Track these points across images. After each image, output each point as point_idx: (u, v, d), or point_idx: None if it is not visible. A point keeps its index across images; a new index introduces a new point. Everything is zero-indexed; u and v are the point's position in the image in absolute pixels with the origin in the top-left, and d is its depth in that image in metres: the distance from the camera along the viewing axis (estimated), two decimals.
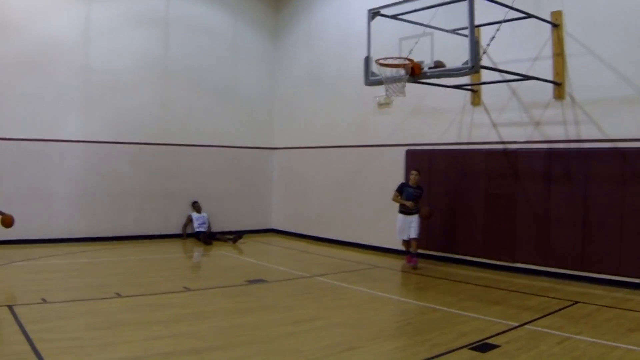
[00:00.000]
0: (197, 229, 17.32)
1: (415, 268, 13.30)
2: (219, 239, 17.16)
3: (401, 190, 13.72)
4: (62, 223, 15.82)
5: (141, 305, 9.29)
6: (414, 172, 13.78)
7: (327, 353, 7.14)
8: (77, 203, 16.05)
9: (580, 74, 12.05)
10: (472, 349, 6.71)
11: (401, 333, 8.50)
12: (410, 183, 13.73)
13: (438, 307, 9.85)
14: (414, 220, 13.59)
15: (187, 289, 10.73)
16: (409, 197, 13.53)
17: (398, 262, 14.32)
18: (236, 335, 7.82)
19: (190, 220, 17.59)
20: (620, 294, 10.82)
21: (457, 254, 13.87)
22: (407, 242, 13.86)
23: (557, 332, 8.19)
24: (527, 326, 8.43)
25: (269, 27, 19.95)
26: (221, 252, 15.64)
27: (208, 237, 16.86)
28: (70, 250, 14.66)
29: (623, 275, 11.29)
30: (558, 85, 12.25)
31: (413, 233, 13.54)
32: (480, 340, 7.61)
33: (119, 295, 9.84)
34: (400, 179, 15.05)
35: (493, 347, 7.00)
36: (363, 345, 7.66)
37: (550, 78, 12.27)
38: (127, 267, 12.90)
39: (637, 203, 11.11)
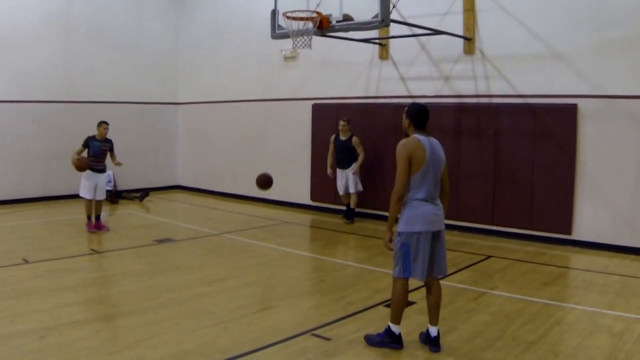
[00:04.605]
0: None
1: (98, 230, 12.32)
2: (125, 198, 16.88)
3: (87, 145, 12.29)
4: None
5: (49, 270, 9.06)
6: (103, 124, 12.50)
7: (241, 314, 7.20)
8: None
9: (491, 30, 12.22)
10: (387, 305, 6.58)
11: (315, 291, 8.60)
12: (98, 137, 12.39)
13: (351, 263, 10.01)
14: (102, 180, 12.52)
15: (95, 252, 10.57)
16: (96, 152, 12.25)
17: (307, 218, 14.45)
18: (147, 299, 7.75)
19: None
20: (532, 247, 11.19)
21: (365, 208, 13.96)
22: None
23: (472, 288, 8.45)
24: (441, 282, 8.54)
25: None
26: (128, 210, 15.42)
27: (114, 196, 16.53)
28: None
29: (534, 229, 11.69)
30: (468, 40, 12.39)
31: (99, 195, 12.43)
32: None
33: (26, 261, 9.56)
34: (307, 133, 15.12)
35: (409, 303, 7.02)
36: (277, 305, 7.75)
37: (461, 33, 12.38)
38: (33, 231, 12.48)
39: (546, 158, 11.42)
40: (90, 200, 12.31)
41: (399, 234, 5.93)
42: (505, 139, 11.94)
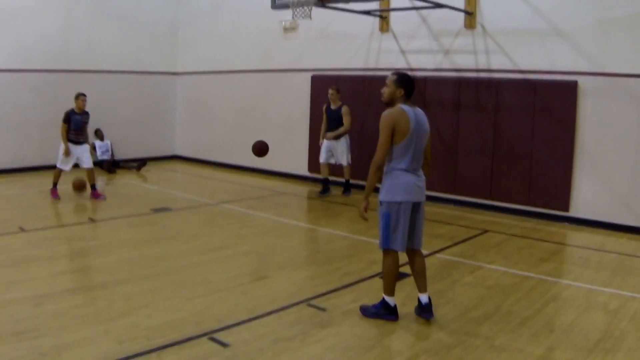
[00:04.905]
0: (100, 157, 16.82)
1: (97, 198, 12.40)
2: (122, 167, 16.80)
3: (68, 119, 12.00)
4: None
5: (46, 239, 9.08)
6: (81, 96, 12.15)
7: (236, 283, 7.23)
8: None
9: (492, 4, 12.10)
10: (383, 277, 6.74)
11: (311, 262, 8.64)
12: (77, 110, 12.10)
13: (347, 234, 10.01)
14: (85, 151, 12.37)
15: (92, 220, 10.55)
16: (77, 125, 12.02)
17: (304, 189, 14.43)
18: (144, 267, 7.78)
19: (93, 148, 17.02)
20: (529, 223, 11.16)
21: (363, 180, 13.89)
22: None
23: (468, 261, 8.47)
24: (437, 255, 8.65)
25: None
26: (125, 180, 15.37)
27: (111, 165, 16.48)
28: None
29: (532, 205, 11.66)
30: (469, 14, 12.26)
31: (85, 164, 12.31)
32: None
33: (22, 229, 9.56)
34: (305, 104, 15.09)
35: (405, 275, 7.05)
36: (272, 275, 7.79)
37: (462, 7, 12.25)
38: (30, 200, 12.47)
39: (546, 135, 11.36)
40: (61, 170, 12.25)
41: (381, 203, 6.06)
42: (505, 114, 11.86)
